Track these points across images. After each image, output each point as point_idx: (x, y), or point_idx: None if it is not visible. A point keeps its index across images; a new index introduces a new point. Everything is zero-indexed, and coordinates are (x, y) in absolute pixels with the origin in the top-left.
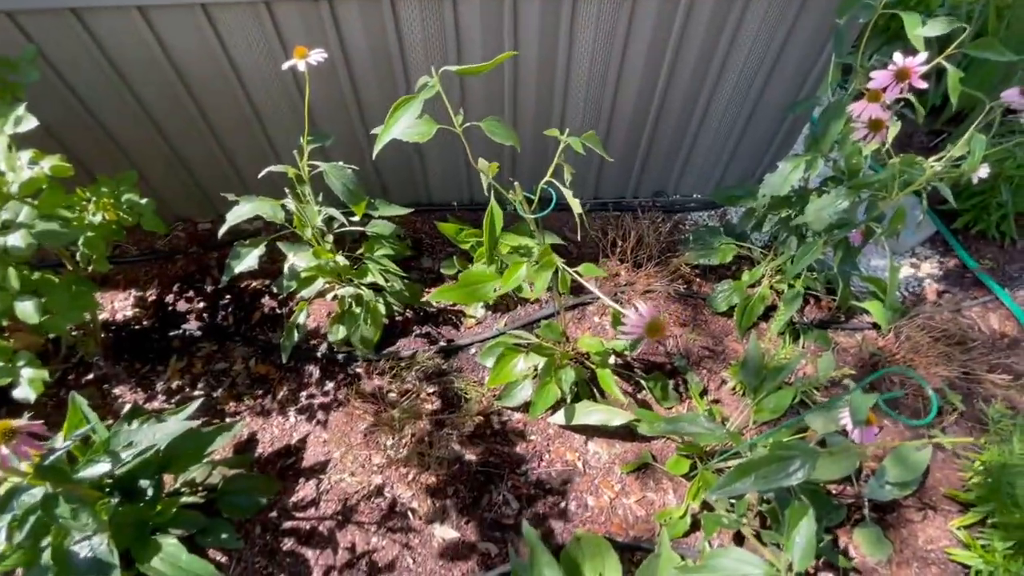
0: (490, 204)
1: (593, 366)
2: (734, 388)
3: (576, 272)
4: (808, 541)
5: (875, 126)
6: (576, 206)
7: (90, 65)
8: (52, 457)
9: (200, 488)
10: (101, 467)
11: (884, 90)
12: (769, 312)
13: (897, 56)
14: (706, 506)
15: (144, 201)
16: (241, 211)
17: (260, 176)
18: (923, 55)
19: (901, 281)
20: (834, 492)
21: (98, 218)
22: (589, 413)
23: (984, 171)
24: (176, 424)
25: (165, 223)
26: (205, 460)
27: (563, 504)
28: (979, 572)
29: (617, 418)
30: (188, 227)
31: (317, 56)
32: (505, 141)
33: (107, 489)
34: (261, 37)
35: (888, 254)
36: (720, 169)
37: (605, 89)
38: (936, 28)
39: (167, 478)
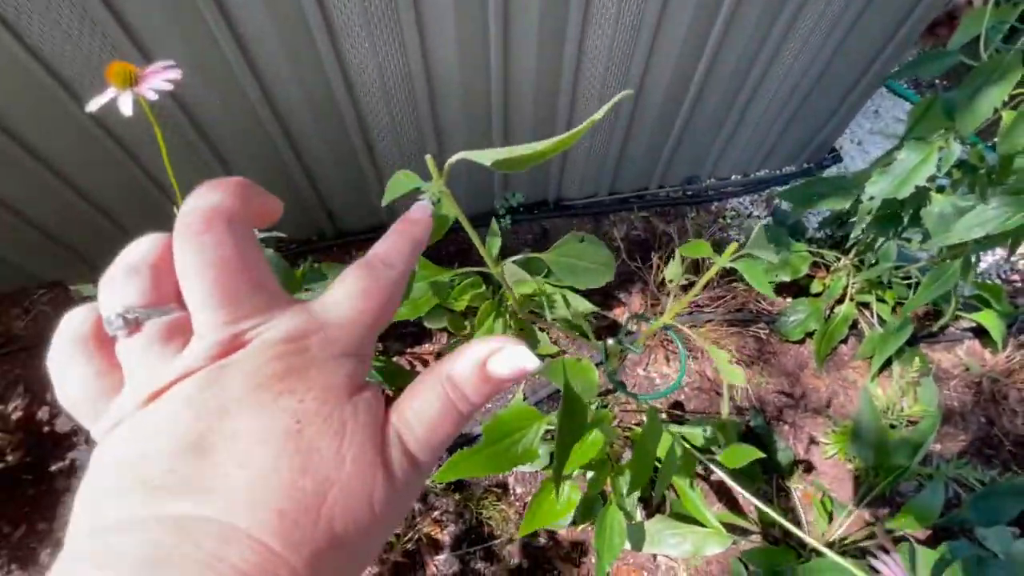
0: (563, 401)
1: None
2: (833, 455)
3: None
4: None
5: None
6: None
7: None
8: None
9: None
10: None
11: None
12: (852, 330)
13: None
14: None
15: None
16: None
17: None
18: None
19: (989, 267)
20: None
21: None
22: (668, 538)
23: None
24: None
25: (21, 291)
26: None
27: None
28: None
29: (711, 545)
30: (57, 296)
31: (161, 79)
32: (597, 282)
33: None
34: (88, 27)
35: None
36: (767, 146)
37: (634, 56)
38: None
39: None
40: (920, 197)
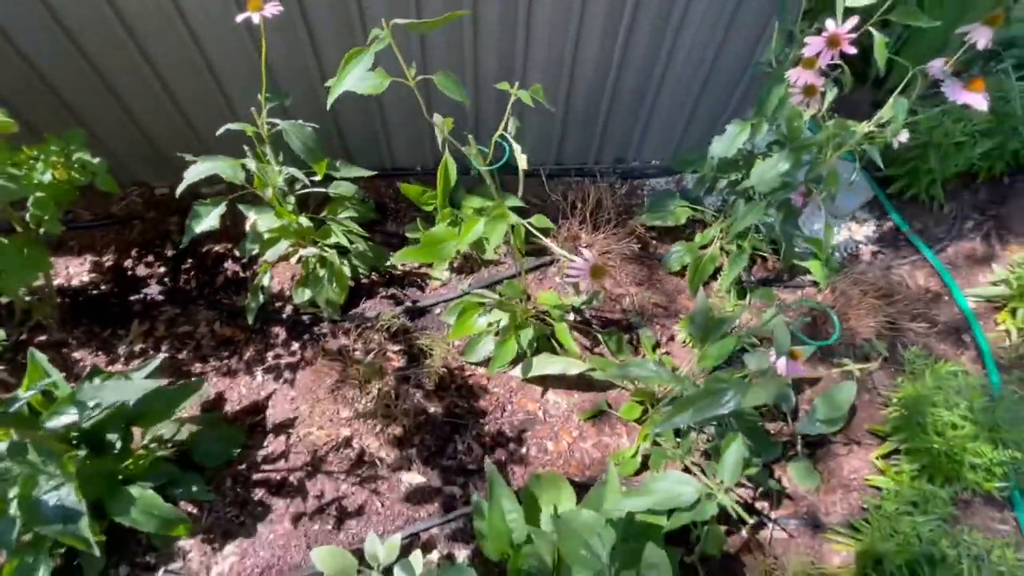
0: (444, 157)
1: (552, 321)
2: (684, 341)
3: (529, 223)
4: (736, 461)
5: (809, 91)
6: (522, 161)
7: (29, 15)
8: (16, 405)
9: (169, 444)
10: (67, 418)
11: (818, 56)
12: (719, 272)
13: (829, 23)
14: (656, 446)
15: (96, 160)
16: (200, 169)
17: (219, 133)
18: (852, 22)
19: (840, 243)
20: (771, 432)
21: (47, 177)
22: (547, 364)
23: (904, 135)
24: (143, 382)
25: (120, 186)
26: (173, 418)
27: (524, 450)
28: (888, 491)
29: (574, 367)
30: (144, 191)
31: (272, 8)
32: (455, 96)
33: (74, 442)
34: None
35: (824, 213)
36: (678, 135)
37: (566, 43)
38: None
39: (136, 436)
40: (751, 163)
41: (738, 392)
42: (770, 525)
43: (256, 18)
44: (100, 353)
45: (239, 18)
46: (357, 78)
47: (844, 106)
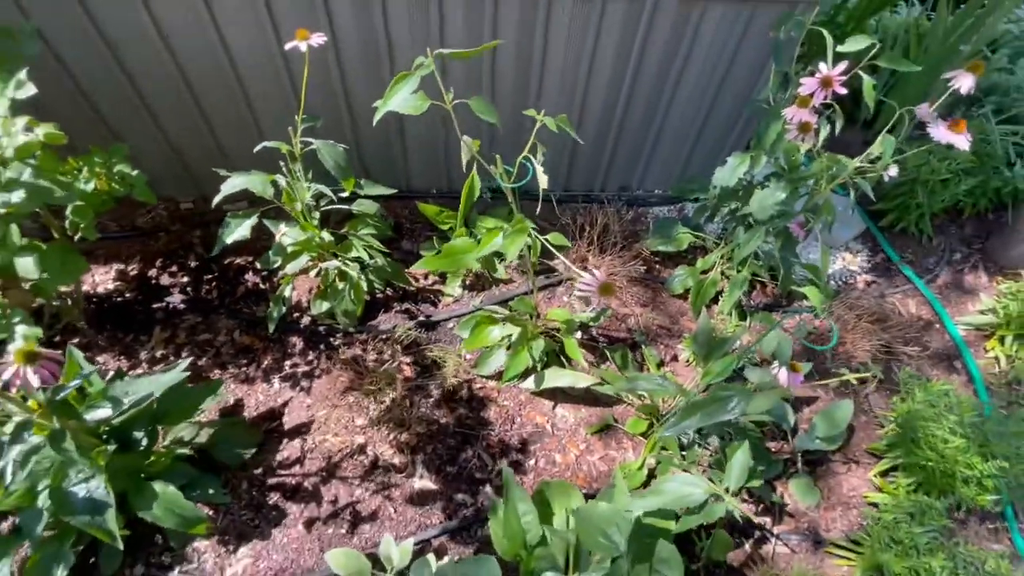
0: (471, 175)
1: (561, 337)
2: (688, 360)
3: (546, 239)
4: (743, 466)
5: (804, 128)
6: (543, 181)
7: (83, 40)
8: (63, 393)
9: (188, 445)
10: (103, 411)
11: (812, 96)
12: (720, 295)
13: (822, 66)
14: (663, 452)
15: (135, 173)
16: (235, 183)
17: (256, 151)
18: (843, 65)
19: (835, 272)
20: (772, 450)
21: (90, 186)
22: (557, 377)
23: (894, 170)
24: (172, 375)
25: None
26: (192, 420)
27: (533, 461)
28: (886, 504)
29: (582, 381)
30: (170, 206)
31: (318, 39)
32: (489, 118)
33: (103, 437)
34: (253, 16)
35: (820, 241)
36: (680, 166)
37: (578, 79)
38: (854, 45)
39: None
40: (750, 193)
41: (743, 399)
42: (772, 540)
43: (303, 47)
44: (123, 357)
45: (288, 46)
46: (402, 99)
47: (836, 146)
